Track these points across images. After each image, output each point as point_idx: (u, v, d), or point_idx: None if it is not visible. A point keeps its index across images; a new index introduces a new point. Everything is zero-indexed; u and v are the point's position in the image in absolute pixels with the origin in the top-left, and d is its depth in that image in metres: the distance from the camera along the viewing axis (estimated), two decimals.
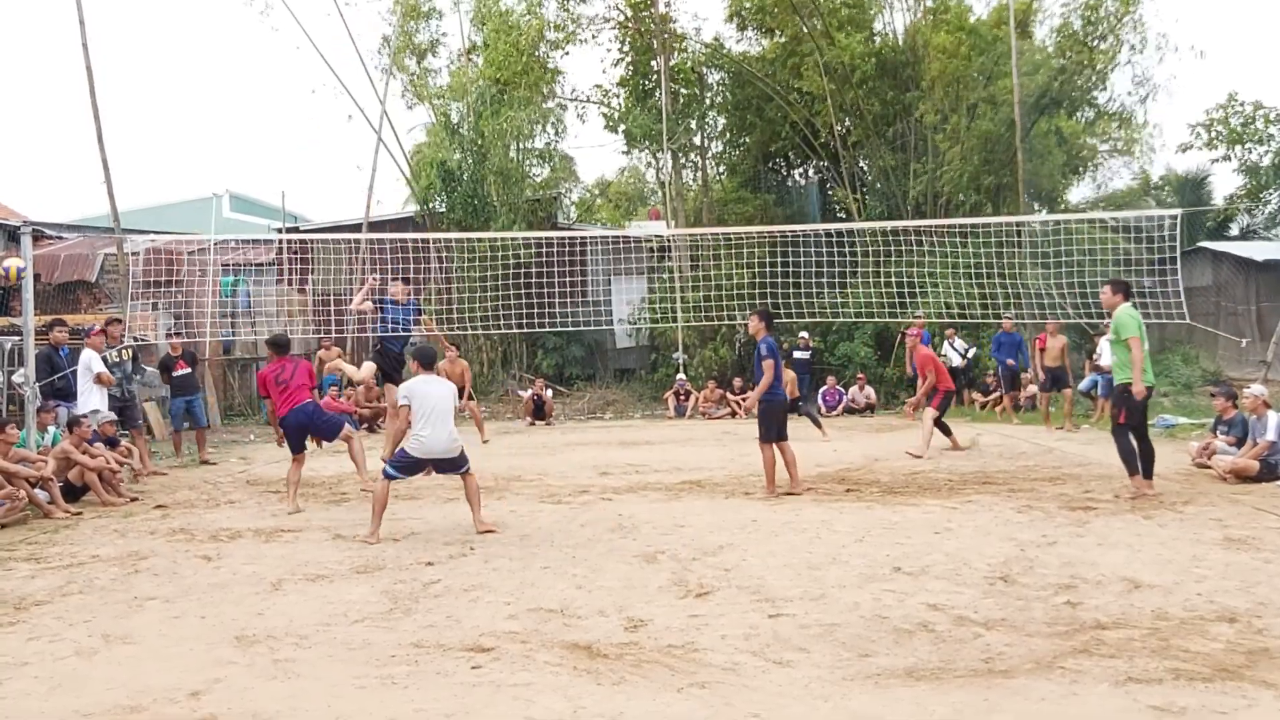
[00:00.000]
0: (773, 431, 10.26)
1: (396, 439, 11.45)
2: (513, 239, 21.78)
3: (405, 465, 8.70)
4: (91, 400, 12.00)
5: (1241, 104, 30.03)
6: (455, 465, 8.78)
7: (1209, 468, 10.69)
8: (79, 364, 12.23)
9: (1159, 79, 24.27)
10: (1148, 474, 9.55)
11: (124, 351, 13.54)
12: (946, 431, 13.93)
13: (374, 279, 13.10)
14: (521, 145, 23.98)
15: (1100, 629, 5.38)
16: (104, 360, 12.80)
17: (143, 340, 18.08)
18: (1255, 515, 8.46)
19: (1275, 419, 10.11)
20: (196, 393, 14.71)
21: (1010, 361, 17.81)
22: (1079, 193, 30.07)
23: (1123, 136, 26.54)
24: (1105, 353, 16.76)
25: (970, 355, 20.26)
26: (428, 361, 9.02)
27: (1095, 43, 22.85)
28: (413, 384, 8.83)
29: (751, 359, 22.96)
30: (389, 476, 8.66)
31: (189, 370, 14.62)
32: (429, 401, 8.69)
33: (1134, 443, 9.45)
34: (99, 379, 12.09)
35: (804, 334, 19.95)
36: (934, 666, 4.87)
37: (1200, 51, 39.02)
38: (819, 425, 16.31)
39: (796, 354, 20.67)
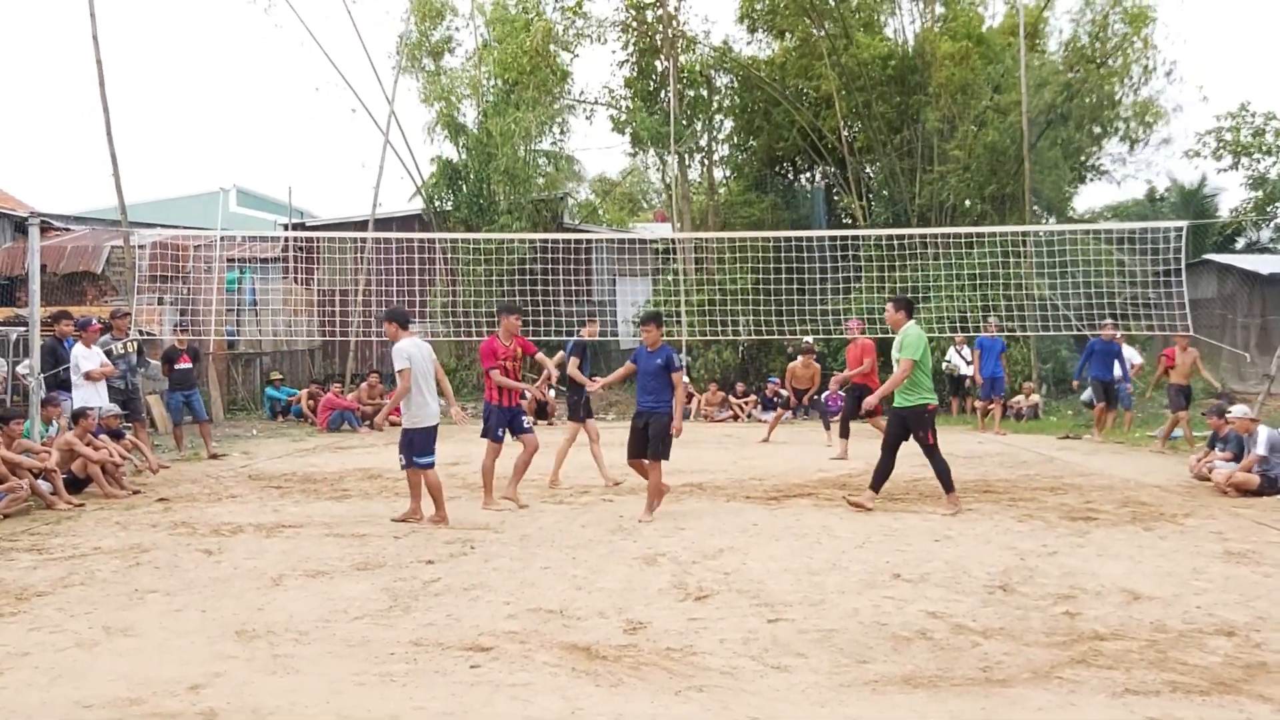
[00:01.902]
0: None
1: (559, 457, 11.42)
2: (518, 239, 21.80)
3: (424, 442, 8.77)
4: (85, 395, 11.96)
5: (1253, 114, 29.98)
6: (431, 446, 8.78)
7: (1210, 480, 10.69)
8: (70, 359, 12.21)
9: (1167, 106, 24.16)
10: (876, 487, 9.53)
11: (129, 344, 13.56)
12: (845, 434, 13.94)
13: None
14: (528, 146, 23.95)
15: (1098, 640, 5.39)
16: (109, 352, 12.83)
17: (148, 334, 18.13)
18: (1256, 529, 8.46)
19: (1264, 434, 10.15)
20: (194, 388, 14.70)
21: (1106, 378, 16.03)
22: (1086, 201, 30.12)
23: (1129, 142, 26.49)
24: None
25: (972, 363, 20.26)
26: (406, 322, 8.99)
27: (1103, 59, 22.85)
28: (407, 346, 8.73)
29: (754, 363, 22.92)
30: (421, 466, 8.80)
31: (190, 365, 14.62)
32: (422, 366, 8.75)
33: (893, 460, 9.51)
34: (88, 376, 12.04)
35: (808, 339, 19.97)
36: (932, 674, 4.89)
37: (1205, 96, 39.01)
38: (828, 428, 16.29)
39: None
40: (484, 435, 9.73)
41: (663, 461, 9.11)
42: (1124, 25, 22.65)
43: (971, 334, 19.97)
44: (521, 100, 23.49)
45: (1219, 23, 54.13)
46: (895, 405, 9.58)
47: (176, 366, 14.41)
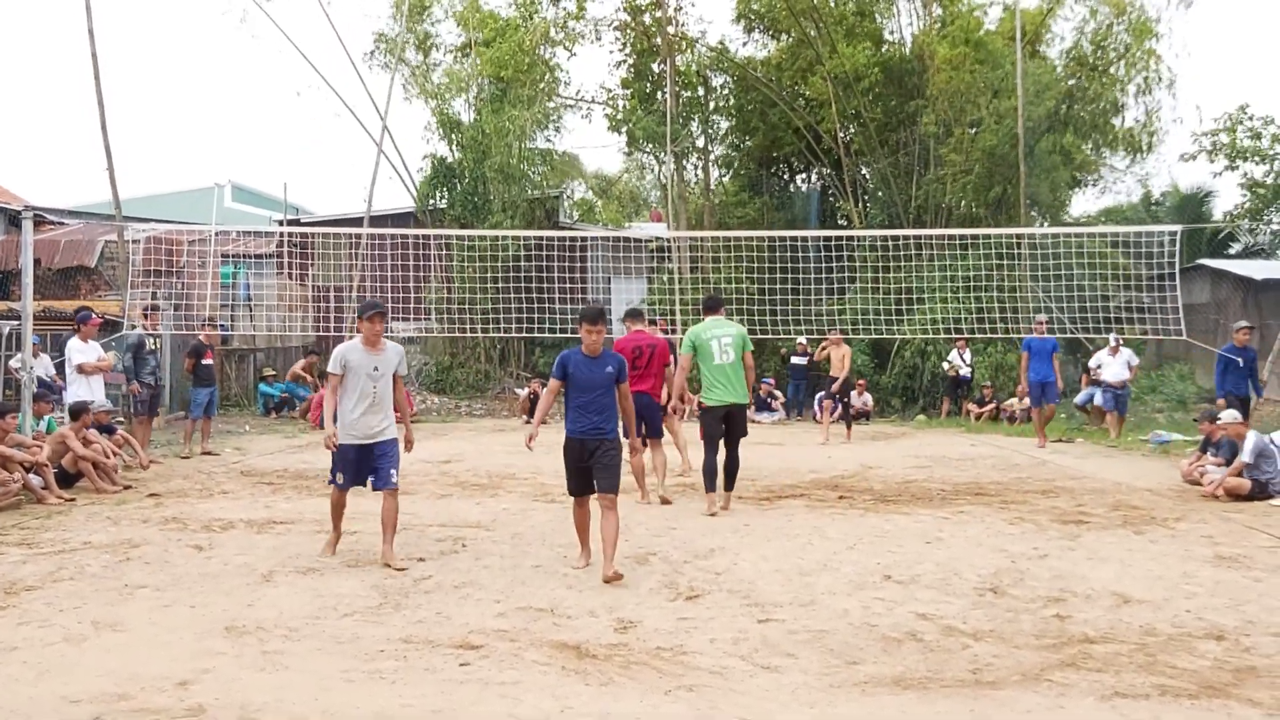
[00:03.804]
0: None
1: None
2: (513, 237, 21.79)
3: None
4: (78, 390, 11.97)
5: (1251, 117, 29.99)
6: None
7: (1201, 484, 10.70)
8: (65, 354, 12.22)
9: (1167, 118, 24.20)
10: (717, 485, 9.59)
11: (156, 340, 13.62)
12: None
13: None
14: (523, 145, 23.92)
15: (1088, 643, 5.39)
16: (140, 345, 12.98)
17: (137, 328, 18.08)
18: (1247, 533, 8.47)
19: (1252, 440, 10.16)
20: (215, 383, 14.75)
21: (1243, 393, 13.17)
22: (1081, 205, 30.16)
23: (1129, 154, 26.59)
24: (1107, 365, 16.68)
25: (972, 365, 20.30)
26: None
27: (1105, 68, 22.85)
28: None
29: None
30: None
31: (212, 361, 14.64)
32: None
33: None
34: (81, 369, 12.05)
35: (802, 339, 20.01)
36: (921, 676, 4.89)
37: (1201, 117, 38.88)
38: (820, 422, 16.38)
39: (794, 359, 20.71)
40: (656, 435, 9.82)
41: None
42: (1128, 36, 22.66)
43: (969, 336, 20.00)
44: (518, 98, 23.45)
45: (1216, 27, 54.20)
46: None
47: (202, 362, 14.36)
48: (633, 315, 10.60)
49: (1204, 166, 31.46)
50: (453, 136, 24.35)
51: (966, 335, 20.01)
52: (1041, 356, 15.38)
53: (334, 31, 41.40)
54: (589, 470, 7.08)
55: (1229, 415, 10.86)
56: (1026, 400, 19.25)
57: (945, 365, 20.57)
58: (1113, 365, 16.60)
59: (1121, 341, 17.01)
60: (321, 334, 22.27)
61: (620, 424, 7.23)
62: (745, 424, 9.75)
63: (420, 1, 24.83)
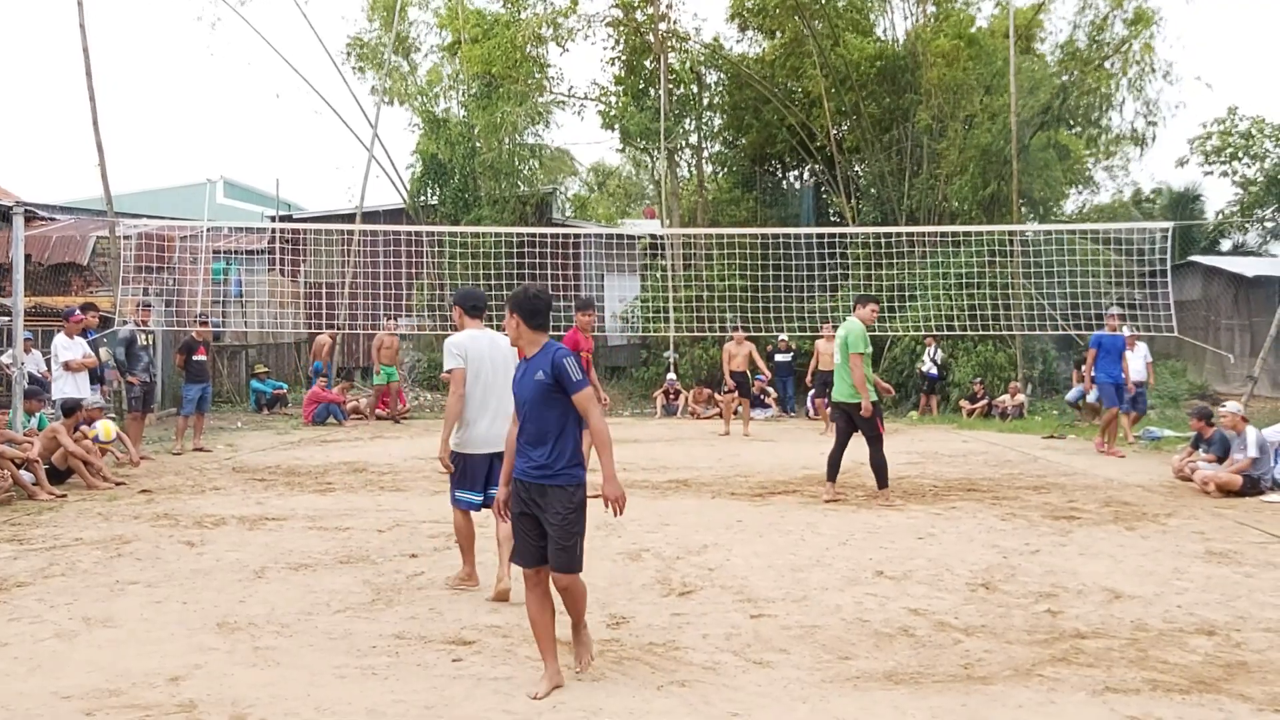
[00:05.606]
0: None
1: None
2: (506, 233, 21.75)
3: (465, 472, 6.40)
4: (64, 386, 11.94)
5: (1240, 119, 30.18)
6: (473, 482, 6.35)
7: (1192, 480, 10.72)
8: (51, 350, 12.19)
9: (1165, 105, 24.08)
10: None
11: (147, 336, 13.60)
12: None
13: None
14: (514, 141, 23.86)
15: (1079, 638, 5.41)
16: (131, 341, 12.99)
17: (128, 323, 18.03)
18: (1238, 529, 8.50)
19: (1254, 434, 10.16)
20: (208, 379, 14.71)
21: None
22: (1072, 204, 30.21)
23: (1119, 154, 26.71)
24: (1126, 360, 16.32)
25: (940, 362, 20.29)
26: (475, 307, 6.53)
27: (1100, 61, 22.85)
28: (464, 339, 6.38)
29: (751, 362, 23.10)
30: (456, 504, 6.46)
31: (205, 357, 14.60)
32: (485, 367, 6.35)
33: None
34: (67, 366, 12.03)
35: (783, 336, 20.00)
36: (913, 671, 4.90)
37: (1207, 83, 38.44)
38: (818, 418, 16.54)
39: (778, 357, 20.66)
40: None
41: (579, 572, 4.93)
42: (1124, 28, 22.67)
43: (941, 335, 19.97)
44: (510, 93, 23.39)
45: (1210, 28, 54.30)
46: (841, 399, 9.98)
47: (194, 358, 14.29)
48: (578, 305, 10.23)
49: (1197, 166, 31.58)
50: (440, 134, 24.27)
51: (935, 333, 19.99)
52: (1113, 354, 13.91)
53: (313, 32, 41.23)
54: (538, 530, 4.87)
55: (1232, 407, 10.75)
56: (1020, 397, 19.33)
57: (918, 366, 20.64)
58: (1132, 361, 15.10)
59: (1137, 336, 15.87)
60: (314, 331, 22.24)
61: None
62: (863, 424, 9.74)
63: (401, 3, 24.74)
